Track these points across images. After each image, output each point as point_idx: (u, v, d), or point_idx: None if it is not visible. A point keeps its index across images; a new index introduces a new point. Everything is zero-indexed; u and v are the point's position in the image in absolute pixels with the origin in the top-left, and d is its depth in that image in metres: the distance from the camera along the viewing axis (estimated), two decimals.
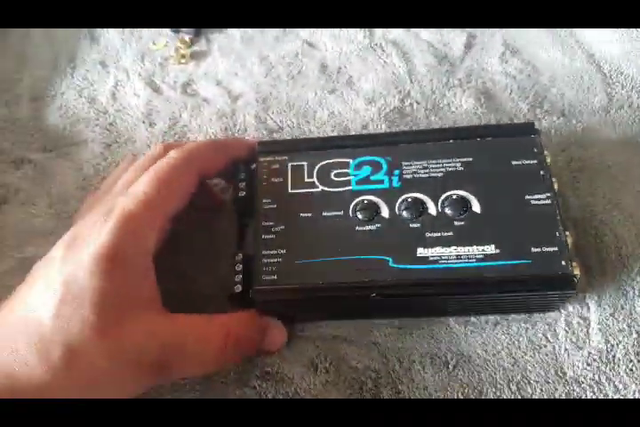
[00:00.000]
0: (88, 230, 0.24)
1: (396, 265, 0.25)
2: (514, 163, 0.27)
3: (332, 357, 0.28)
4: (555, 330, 0.27)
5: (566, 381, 0.26)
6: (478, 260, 0.25)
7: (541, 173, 0.27)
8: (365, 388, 0.27)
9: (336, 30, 0.41)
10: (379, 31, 0.40)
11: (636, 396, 0.25)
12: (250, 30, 0.41)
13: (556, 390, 0.26)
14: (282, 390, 0.27)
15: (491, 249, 0.25)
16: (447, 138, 0.28)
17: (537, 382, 0.26)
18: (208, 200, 0.32)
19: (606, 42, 0.37)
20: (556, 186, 0.27)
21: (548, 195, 0.26)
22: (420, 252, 0.26)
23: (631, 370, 0.26)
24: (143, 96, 0.39)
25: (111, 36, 0.42)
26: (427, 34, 0.40)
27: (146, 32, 0.42)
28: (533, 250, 0.25)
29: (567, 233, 0.25)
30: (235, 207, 0.29)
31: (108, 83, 0.40)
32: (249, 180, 0.29)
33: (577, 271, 0.25)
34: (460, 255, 0.25)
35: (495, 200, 0.26)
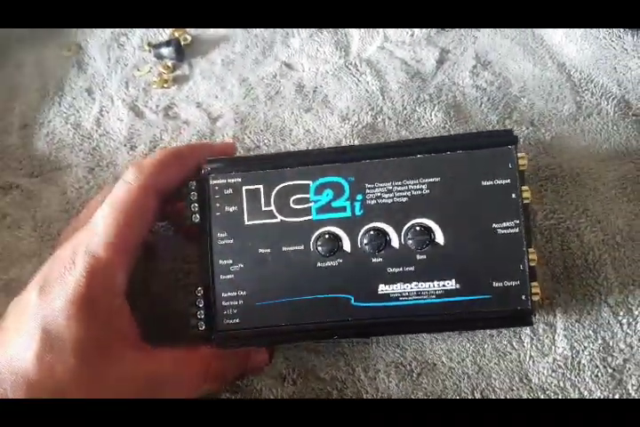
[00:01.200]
0: (58, 274, 0.26)
1: (357, 303, 0.26)
2: (484, 183, 0.27)
3: (299, 369, 0.30)
4: (520, 337, 0.29)
5: (531, 388, 0.27)
6: (438, 296, 0.26)
7: (513, 195, 0.27)
8: (331, 398, 0.28)
9: (313, 51, 0.44)
10: (354, 50, 0.43)
11: None
12: (231, 54, 0.45)
13: (521, 397, 0.27)
14: None
15: (451, 284, 0.26)
16: (415, 152, 0.28)
17: (501, 389, 0.28)
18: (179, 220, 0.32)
19: (576, 50, 0.39)
20: (528, 194, 0.27)
21: (516, 222, 0.26)
22: (382, 289, 0.26)
23: (597, 376, 0.27)
24: (126, 120, 0.42)
25: (98, 64, 0.46)
26: (400, 51, 0.42)
27: (131, 59, 0.46)
28: (495, 284, 0.26)
29: (532, 250, 0.26)
30: (190, 234, 0.30)
31: (93, 109, 0.43)
32: (200, 203, 0.29)
33: (536, 290, 0.26)
34: (421, 291, 0.26)
35: (460, 229, 0.27)
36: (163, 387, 0.26)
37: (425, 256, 0.26)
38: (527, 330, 0.29)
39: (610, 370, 0.27)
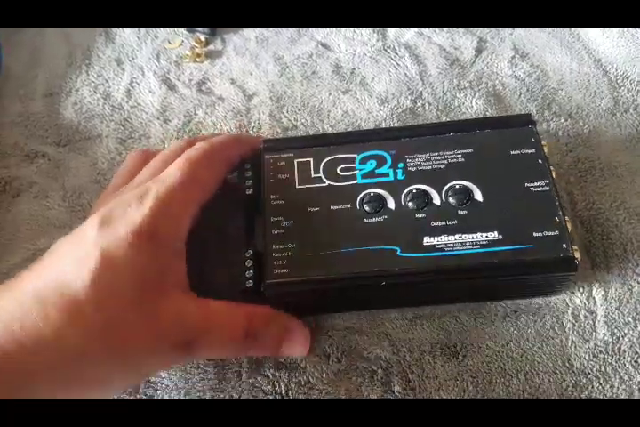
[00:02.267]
0: (123, 210, 0.26)
1: (404, 254, 0.27)
2: (512, 152, 0.29)
3: (343, 347, 0.29)
4: (562, 323, 0.29)
5: (573, 372, 0.28)
6: (482, 246, 0.27)
7: (539, 161, 0.29)
8: (376, 377, 0.29)
9: (349, 33, 0.43)
10: (391, 34, 0.43)
11: None
12: (265, 31, 0.44)
13: (564, 380, 0.28)
14: (294, 378, 0.29)
15: (494, 235, 0.27)
16: (448, 131, 0.30)
17: (545, 372, 0.28)
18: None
19: (612, 47, 0.40)
20: (554, 173, 0.28)
21: (547, 182, 0.28)
22: (427, 240, 0.27)
23: (636, 362, 0.28)
24: (158, 93, 0.41)
25: (127, 35, 0.45)
26: (438, 38, 0.42)
27: (162, 31, 0.45)
28: (535, 234, 0.27)
29: (567, 218, 0.27)
30: (243, 205, 0.30)
31: (123, 80, 0.42)
32: (255, 178, 0.31)
33: (577, 254, 0.26)
34: (465, 242, 0.27)
35: (496, 188, 0.28)
36: (206, 335, 0.26)
37: (466, 211, 0.28)
38: (569, 316, 0.29)
39: None
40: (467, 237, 0.27)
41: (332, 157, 0.30)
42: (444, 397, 0.28)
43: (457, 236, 0.27)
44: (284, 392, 0.28)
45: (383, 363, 0.29)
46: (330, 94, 0.40)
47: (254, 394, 0.29)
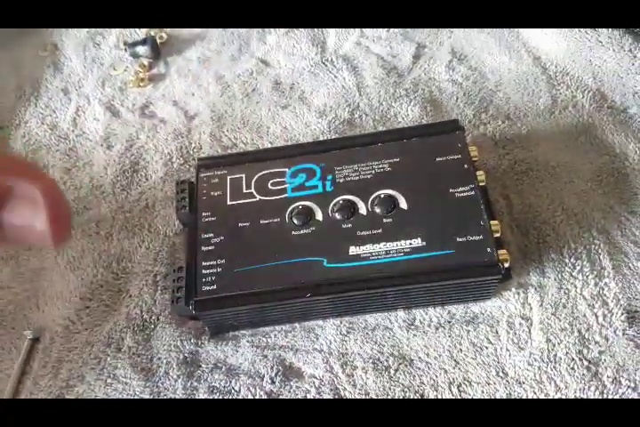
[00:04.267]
0: None
1: (329, 265, 0.27)
2: (438, 159, 0.29)
3: (278, 367, 0.29)
4: (496, 331, 0.28)
5: (507, 381, 0.27)
6: (406, 253, 0.27)
7: (465, 166, 0.29)
8: (309, 396, 0.28)
9: (289, 48, 0.43)
10: (330, 46, 0.43)
11: (577, 395, 0.26)
12: (207, 51, 0.44)
13: (497, 391, 0.27)
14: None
15: (417, 242, 0.27)
16: (376, 141, 0.31)
17: (478, 383, 0.27)
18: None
19: (551, 43, 0.39)
20: (483, 177, 0.28)
21: (472, 186, 0.28)
22: (352, 250, 0.28)
23: (572, 369, 0.27)
24: (102, 120, 0.41)
25: (74, 64, 0.45)
26: (377, 47, 0.42)
27: (107, 58, 0.45)
28: (458, 240, 0.27)
29: (495, 223, 0.27)
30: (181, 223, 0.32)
31: (69, 109, 0.43)
32: (190, 193, 0.31)
33: (506, 257, 0.26)
34: (389, 250, 0.27)
35: (421, 196, 0.28)
36: None
37: (391, 219, 0.28)
38: (504, 324, 0.29)
39: (585, 362, 0.27)
40: (391, 246, 0.27)
41: (264, 172, 0.31)
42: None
43: (382, 244, 0.27)
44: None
45: (316, 381, 0.28)
46: (269, 110, 0.40)
47: None
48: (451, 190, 0.28)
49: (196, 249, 0.29)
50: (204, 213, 0.30)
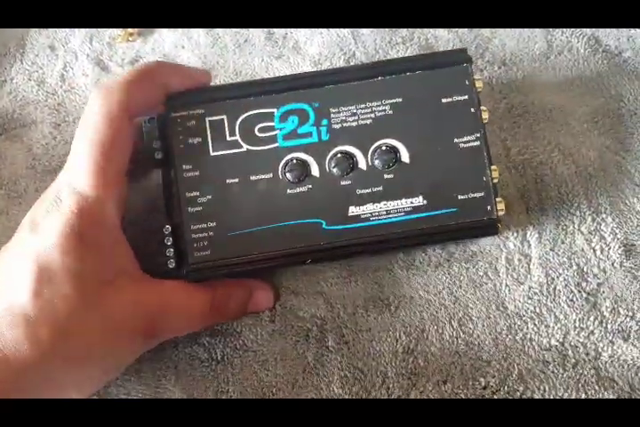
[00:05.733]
0: (45, 212, 0.25)
1: (329, 227, 0.26)
2: (444, 101, 0.27)
3: (278, 308, 0.29)
4: (495, 268, 0.29)
5: (507, 315, 0.28)
6: (407, 213, 0.26)
7: (472, 110, 0.27)
8: (311, 335, 0.28)
9: None
10: None
11: (576, 324, 0.27)
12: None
13: (497, 324, 0.27)
14: (230, 343, 0.29)
15: (418, 201, 0.26)
16: (375, 75, 0.28)
17: (478, 317, 0.28)
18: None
19: None
20: (485, 115, 0.27)
21: (477, 135, 0.27)
22: (352, 210, 0.27)
23: (572, 300, 0.27)
24: (91, 75, 0.41)
25: None
26: None
27: None
28: (460, 197, 0.26)
29: (494, 167, 0.27)
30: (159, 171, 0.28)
31: (56, 65, 0.42)
32: (163, 137, 0.28)
33: (501, 206, 0.26)
34: (390, 210, 0.26)
35: (424, 146, 0.27)
36: (167, 317, 0.26)
37: (392, 175, 0.27)
38: (503, 261, 0.29)
39: (584, 294, 0.28)
40: (392, 205, 0.26)
41: (249, 114, 0.28)
42: (377, 348, 0.27)
43: (382, 204, 0.27)
44: (219, 357, 0.28)
45: (318, 321, 0.29)
46: (262, 61, 0.39)
47: (190, 363, 0.29)
48: (455, 140, 0.27)
49: (180, 208, 0.27)
50: (184, 166, 0.27)
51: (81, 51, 0.42)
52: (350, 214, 0.26)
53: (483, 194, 0.26)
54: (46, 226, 0.24)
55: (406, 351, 0.27)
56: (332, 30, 0.40)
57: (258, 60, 0.39)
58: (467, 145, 0.27)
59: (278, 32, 0.40)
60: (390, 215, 0.26)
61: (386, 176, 0.27)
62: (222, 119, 0.28)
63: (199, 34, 0.41)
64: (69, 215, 0.24)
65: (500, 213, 0.26)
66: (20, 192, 0.36)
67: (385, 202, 0.26)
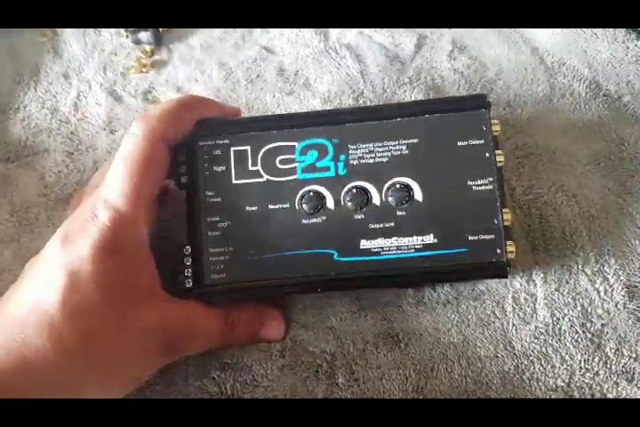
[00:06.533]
0: (80, 227, 0.26)
1: (340, 258, 0.27)
2: (459, 144, 0.28)
3: (288, 342, 0.30)
4: (503, 307, 0.30)
5: (515, 354, 0.28)
6: (417, 250, 0.27)
7: (487, 155, 0.28)
8: (321, 371, 0.29)
9: (293, 36, 0.44)
10: (333, 35, 0.44)
11: (582, 365, 0.28)
12: (209, 38, 0.45)
13: (505, 363, 0.28)
14: (240, 378, 0.29)
15: (429, 239, 0.27)
16: (395, 116, 0.29)
17: (486, 356, 0.28)
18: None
19: (548, 35, 0.41)
20: (501, 158, 0.28)
21: (491, 179, 0.28)
22: (364, 244, 0.27)
23: (577, 341, 0.28)
24: (105, 105, 0.42)
25: (74, 50, 0.45)
26: (379, 36, 0.43)
27: (108, 44, 0.45)
28: (470, 238, 0.27)
29: (507, 210, 0.27)
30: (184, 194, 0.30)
31: (70, 94, 0.43)
32: (190, 163, 0.29)
33: (512, 249, 0.27)
34: (401, 246, 0.27)
35: (437, 187, 0.28)
36: (187, 334, 0.27)
37: (404, 212, 0.28)
38: (509, 300, 0.30)
39: (589, 335, 0.28)
40: (402, 241, 0.27)
41: (272, 146, 0.29)
42: (387, 386, 0.28)
43: (393, 239, 0.27)
44: (229, 393, 0.29)
45: (328, 357, 0.29)
46: (274, 97, 0.41)
47: (200, 397, 0.29)
48: (469, 183, 0.28)
49: (200, 231, 0.28)
50: (207, 193, 0.29)
51: (94, 80, 0.43)
52: (362, 247, 0.27)
53: (493, 236, 0.27)
54: (79, 240, 0.26)
55: (416, 390, 0.28)
56: (342, 69, 0.41)
57: (269, 96, 0.41)
58: (480, 188, 0.28)
59: (290, 69, 0.42)
60: (401, 251, 0.27)
61: (398, 213, 0.28)
62: (246, 150, 0.29)
63: (212, 68, 0.43)
64: (103, 229, 0.26)
65: (510, 257, 0.27)
66: (32, 220, 0.37)
67: (396, 238, 0.27)
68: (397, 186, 0.28)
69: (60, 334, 0.24)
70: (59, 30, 0.47)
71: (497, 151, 0.28)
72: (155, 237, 0.29)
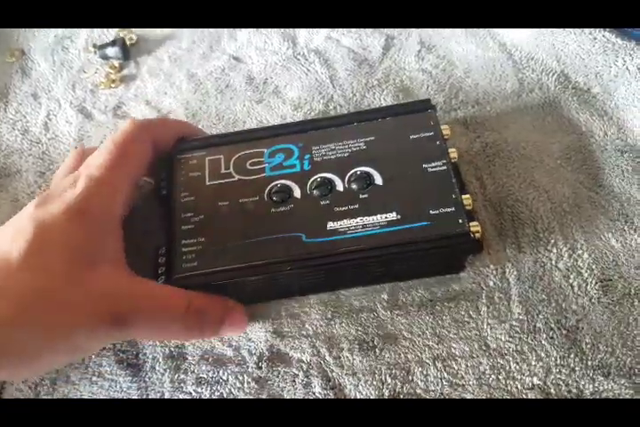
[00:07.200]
0: (58, 193, 0.28)
1: (308, 240, 0.28)
2: (412, 137, 0.31)
3: (265, 353, 0.30)
4: (477, 306, 0.30)
5: (490, 354, 0.28)
6: (382, 226, 0.28)
7: (437, 142, 0.30)
8: (297, 380, 0.29)
9: (260, 43, 0.44)
10: (301, 41, 0.44)
11: (558, 362, 0.28)
12: (177, 50, 0.45)
13: (481, 363, 0.28)
14: (216, 392, 0.29)
15: (393, 216, 0.28)
16: (352, 121, 0.32)
17: (462, 357, 0.28)
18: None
19: (515, 30, 0.41)
20: (455, 154, 0.30)
21: (444, 161, 0.30)
22: (330, 225, 0.29)
23: (552, 338, 0.28)
24: (75, 123, 0.42)
25: (42, 68, 0.46)
26: (347, 40, 0.43)
27: (76, 62, 0.46)
28: (432, 212, 0.28)
29: (467, 196, 0.28)
30: (159, 205, 0.32)
31: (40, 113, 0.43)
32: (169, 176, 0.32)
33: (477, 228, 0.27)
34: (366, 224, 0.28)
35: (395, 172, 0.30)
36: (137, 310, 0.26)
37: (367, 195, 0.29)
38: (483, 299, 0.30)
39: (564, 331, 0.28)
40: (367, 220, 0.29)
41: (243, 153, 0.32)
42: (364, 392, 0.28)
43: (358, 219, 0.29)
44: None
45: (304, 365, 0.29)
46: (244, 105, 0.41)
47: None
48: (424, 166, 0.30)
49: (174, 227, 0.30)
50: (182, 194, 0.31)
51: (64, 98, 0.44)
52: (329, 228, 0.29)
53: (453, 209, 0.28)
54: (55, 201, 0.27)
55: (392, 395, 0.28)
56: (311, 75, 0.41)
57: (240, 105, 0.41)
58: (435, 169, 0.30)
59: (259, 77, 0.42)
60: (366, 229, 0.28)
61: (361, 196, 0.29)
62: (220, 158, 0.32)
63: (181, 79, 0.43)
64: (79, 195, 0.27)
65: (477, 236, 0.27)
66: None
67: (361, 218, 0.29)
68: (358, 173, 0.30)
69: (16, 286, 0.24)
70: (26, 49, 0.47)
71: (450, 149, 0.30)
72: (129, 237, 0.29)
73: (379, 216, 0.28)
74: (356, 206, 0.29)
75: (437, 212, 0.28)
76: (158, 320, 0.27)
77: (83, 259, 0.26)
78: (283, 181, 0.30)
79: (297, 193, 0.30)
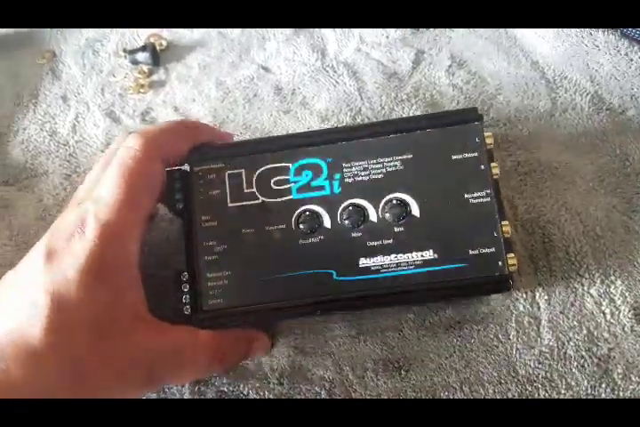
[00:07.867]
0: (65, 243, 0.25)
1: (339, 278, 0.27)
2: (454, 157, 0.28)
3: (287, 369, 0.29)
4: (506, 330, 0.29)
5: (518, 380, 0.28)
6: (417, 266, 0.27)
7: (481, 167, 0.28)
8: (319, 398, 0.28)
9: (289, 54, 0.44)
10: (330, 53, 0.43)
11: (588, 392, 0.27)
12: (207, 58, 0.45)
13: (509, 390, 0.27)
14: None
15: (429, 255, 0.27)
16: (388, 132, 0.29)
17: (490, 382, 0.28)
18: None
19: (549, 49, 0.40)
20: (496, 170, 0.28)
21: (487, 192, 0.27)
22: (362, 262, 0.27)
23: (582, 366, 0.27)
24: (103, 126, 0.42)
25: (72, 71, 0.46)
26: (376, 53, 0.43)
27: (106, 65, 0.46)
28: (471, 252, 0.26)
29: (506, 222, 0.27)
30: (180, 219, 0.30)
31: (68, 116, 0.43)
32: (185, 189, 0.29)
33: (513, 261, 0.26)
34: (400, 263, 0.27)
35: (434, 201, 0.28)
36: (170, 364, 0.26)
37: (402, 228, 0.27)
38: (513, 323, 0.29)
39: (595, 360, 0.28)
40: (402, 258, 0.27)
41: (266, 168, 0.29)
42: None
43: (392, 256, 0.27)
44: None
45: (327, 384, 0.29)
46: (271, 115, 0.40)
47: None
48: (466, 196, 0.27)
49: (196, 256, 0.28)
50: (203, 217, 0.29)
51: (93, 102, 0.43)
52: (361, 266, 0.27)
53: (493, 249, 0.26)
54: (66, 259, 0.24)
55: None
56: (339, 87, 0.41)
57: (267, 115, 0.40)
58: (477, 201, 0.27)
59: (287, 87, 0.42)
60: (400, 268, 0.27)
61: (396, 229, 0.27)
62: (240, 173, 0.29)
63: (210, 87, 0.43)
64: (93, 250, 0.24)
65: (512, 269, 0.26)
66: (30, 244, 0.36)
67: (395, 255, 0.27)
68: (394, 202, 0.28)
69: (44, 367, 0.23)
70: (57, 52, 0.47)
71: (492, 164, 0.28)
72: (145, 259, 0.28)
73: (414, 254, 0.27)
74: (391, 242, 0.27)
75: (477, 252, 0.26)
76: (186, 372, 0.27)
77: (107, 325, 0.25)
78: (311, 207, 0.28)
79: (327, 222, 0.28)
